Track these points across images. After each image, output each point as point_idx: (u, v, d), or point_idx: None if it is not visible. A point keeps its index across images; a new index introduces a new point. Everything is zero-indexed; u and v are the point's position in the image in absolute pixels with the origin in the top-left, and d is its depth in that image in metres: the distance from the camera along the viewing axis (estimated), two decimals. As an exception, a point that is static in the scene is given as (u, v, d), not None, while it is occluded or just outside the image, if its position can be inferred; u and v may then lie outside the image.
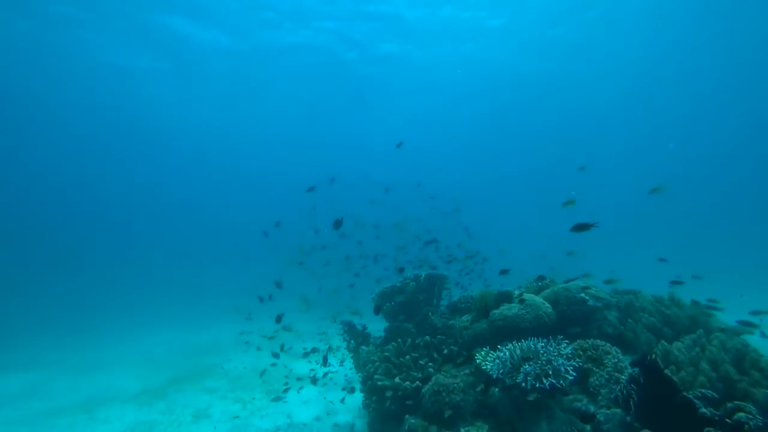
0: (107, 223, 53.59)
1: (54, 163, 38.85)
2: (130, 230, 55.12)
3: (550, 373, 4.37)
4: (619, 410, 3.95)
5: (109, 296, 30.40)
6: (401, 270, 8.14)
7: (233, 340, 15.36)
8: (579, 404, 4.31)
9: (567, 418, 4.21)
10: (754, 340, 5.70)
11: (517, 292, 6.88)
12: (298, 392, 9.65)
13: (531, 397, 4.54)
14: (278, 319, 8.35)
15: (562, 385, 4.31)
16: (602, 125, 35.97)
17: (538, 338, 5.02)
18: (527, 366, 4.49)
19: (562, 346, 4.76)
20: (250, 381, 11.10)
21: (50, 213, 49.27)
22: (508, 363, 4.71)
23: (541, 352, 4.62)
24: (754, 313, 6.14)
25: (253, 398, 9.76)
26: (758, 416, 3.00)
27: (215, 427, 8.02)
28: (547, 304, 6.40)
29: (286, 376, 10.68)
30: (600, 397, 4.23)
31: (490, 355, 5.12)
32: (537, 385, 4.34)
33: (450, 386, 5.40)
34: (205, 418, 8.63)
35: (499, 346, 5.09)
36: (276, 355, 10.34)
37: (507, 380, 4.67)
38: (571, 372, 4.34)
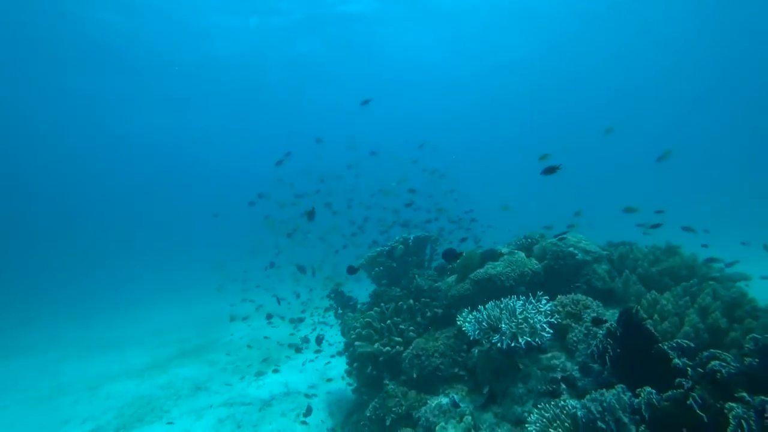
0: (109, 210, 54.13)
1: (45, 155, 38.64)
2: (131, 215, 55.68)
3: (527, 331, 4.12)
4: (596, 365, 3.71)
5: (119, 277, 31.12)
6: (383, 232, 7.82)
7: (235, 312, 15.53)
8: (556, 362, 4.08)
9: (543, 376, 3.99)
10: (756, 285, 5.38)
11: (504, 250, 6.57)
12: (296, 360, 9.73)
13: (508, 357, 4.34)
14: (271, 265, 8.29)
15: (538, 343, 4.07)
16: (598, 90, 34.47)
17: (518, 296, 4.76)
18: (503, 325, 4.25)
19: (542, 302, 4.49)
20: (250, 352, 11.23)
21: (55, 203, 49.84)
22: (484, 323, 4.48)
23: (519, 310, 4.36)
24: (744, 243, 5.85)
25: (250, 368, 9.87)
26: (733, 363, 2.71)
27: (212, 399, 8.12)
28: (534, 261, 6.10)
29: (289, 345, 10.78)
30: (578, 353, 3.98)
31: (470, 316, 4.88)
32: (513, 344, 4.11)
33: (430, 350, 5.22)
34: (203, 391, 8.75)
35: (479, 306, 4.84)
36: (269, 317, 10.38)
37: (484, 341, 4.45)
38: (547, 329, 4.09)
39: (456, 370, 5.04)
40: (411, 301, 6.34)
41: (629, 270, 5.64)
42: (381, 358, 5.58)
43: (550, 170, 4.70)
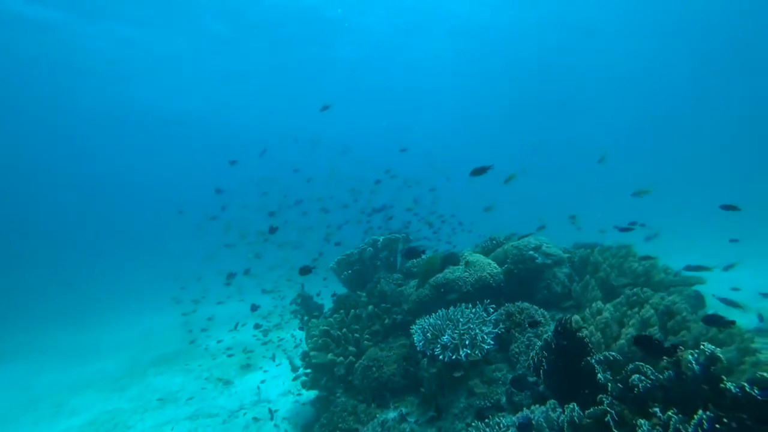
0: (84, 211, 53.28)
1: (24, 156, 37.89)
2: (110, 215, 54.79)
3: (467, 343, 3.96)
4: (533, 378, 3.55)
5: (107, 280, 30.79)
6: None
7: (218, 317, 15.34)
8: (499, 374, 3.92)
9: (484, 389, 3.83)
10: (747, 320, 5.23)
11: (466, 253, 6.42)
12: (271, 368, 9.56)
13: (453, 370, 4.19)
14: (229, 277, 8.12)
15: (478, 355, 3.92)
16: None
17: (467, 304, 4.61)
18: (445, 337, 4.09)
19: (489, 311, 4.33)
20: (227, 359, 11.05)
21: (25, 205, 49.00)
22: (429, 333, 4.32)
23: (463, 320, 4.20)
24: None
25: (225, 376, 9.70)
26: (651, 377, 2.57)
27: (178, 412, 7.95)
28: (494, 265, 5.94)
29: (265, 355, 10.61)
30: (519, 365, 3.83)
31: (417, 325, 4.72)
32: (453, 356, 3.95)
33: (383, 360, 5.06)
34: (171, 402, 8.59)
35: (424, 316, 4.69)
36: (257, 326, 10.18)
37: (428, 352, 4.30)
38: (488, 341, 3.93)
39: (408, 381, 4.88)
40: (371, 308, 6.18)
41: (589, 274, 5.50)
42: (335, 369, 5.42)
43: (479, 171, 4.55)
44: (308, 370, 5.73)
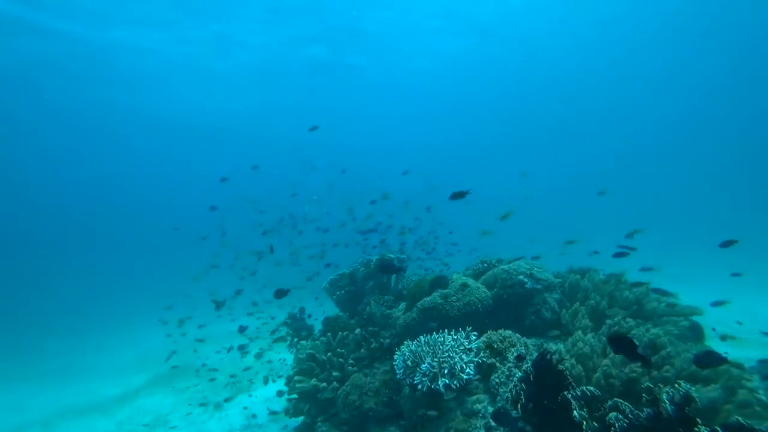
0: (81, 229, 53.01)
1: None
2: (105, 233, 54.31)
3: (446, 372, 3.85)
4: (514, 412, 3.41)
5: (104, 297, 30.74)
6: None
7: (213, 336, 15.20)
8: (479, 406, 3.78)
9: (464, 422, 3.69)
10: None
11: (455, 276, 6.32)
12: (263, 390, 9.38)
13: (433, 399, 4.05)
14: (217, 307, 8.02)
15: (457, 385, 3.79)
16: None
17: (451, 330, 4.50)
18: (425, 365, 3.98)
19: (471, 338, 4.22)
20: (221, 380, 10.88)
21: (25, 220, 48.88)
22: (409, 361, 4.20)
23: (443, 348, 4.09)
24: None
25: (215, 399, 9.53)
26: (630, 415, 2.45)
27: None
28: (483, 289, 5.83)
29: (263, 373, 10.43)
30: (499, 397, 3.69)
31: (399, 351, 4.61)
32: (432, 386, 3.83)
33: (365, 387, 4.93)
34: (161, 426, 8.43)
35: (407, 341, 4.58)
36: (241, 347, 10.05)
37: (408, 380, 4.18)
38: (467, 370, 3.81)
39: (391, 410, 4.73)
40: (358, 331, 6.07)
41: (579, 301, 5.36)
42: (319, 395, 5.29)
43: (458, 195, 4.55)
44: (293, 396, 5.60)
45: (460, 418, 3.79)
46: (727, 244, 4.94)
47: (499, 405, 3.63)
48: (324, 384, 5.23)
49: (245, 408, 8.67)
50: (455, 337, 4.23)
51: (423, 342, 4.31)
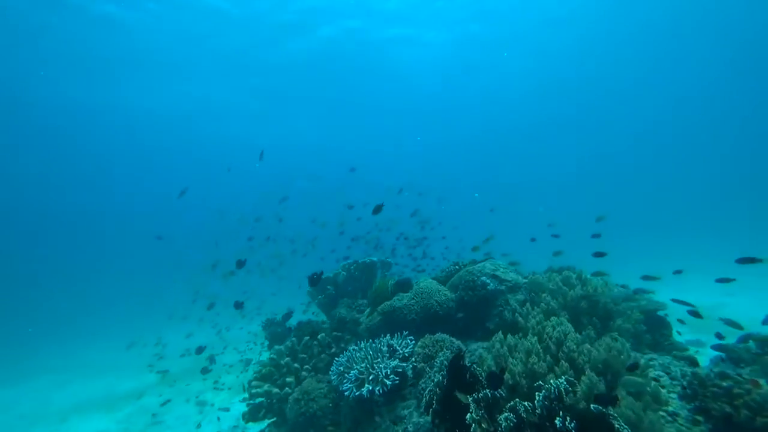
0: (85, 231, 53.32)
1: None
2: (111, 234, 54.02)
3: (370, 379, 3.70)
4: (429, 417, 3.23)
5: (130, 299, 32.17)
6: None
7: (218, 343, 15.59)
8: (405, 412, 3.61)
9: (389, 428, 3.53)
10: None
11: (421, 279, 6.12)
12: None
13: (366, 405, 3.92)
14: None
15: (381, 391, 3.63)
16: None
17: (392, 335, 4.34)
18: (351, 372, 3.85)
19: (405, 343, 4.05)
20: (231, 384, 11.11)
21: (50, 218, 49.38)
22: (342, 368, 4.09)
23: (372, 354, 3.95)
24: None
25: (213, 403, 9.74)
26: (524, 414, 2.29)
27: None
28: (444, 291, 5.60)
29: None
30: (423, 402, 3.50)
31: (337, 357, 4.50)
32: (356, 393, 3.70)
33: (313, 393, 4.84)
34: (158, 425, 8.75)
35: (351, 347, 4.45)
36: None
37: (340, 387, 4.06)
38: (391, 377, 3.64)
39: (336, 416, 4.62)
40: (321, 335, 6.00)
41: (529, 301, 5.07)
42: (274, 401, 5.25)
43: (378, 209, 4.45)
44: (251, 401, 5.59)
45: (387, 423, 3.63)
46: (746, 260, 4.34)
47: (422, 409, 3.45)
48: (276, 389, 5.18)
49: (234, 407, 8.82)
50: (390, 342, 4.07)
51: (356, 348, 4.18)
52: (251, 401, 5.62)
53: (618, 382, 3.07)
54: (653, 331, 4.64)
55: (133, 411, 9.81)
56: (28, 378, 14.23)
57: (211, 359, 9.51)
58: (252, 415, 5.35)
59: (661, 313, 4.63)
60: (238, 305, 5.47)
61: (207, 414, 8.97)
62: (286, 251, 12.43)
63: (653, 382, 2.96)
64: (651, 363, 3.73)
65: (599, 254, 5.96)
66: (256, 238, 11.74)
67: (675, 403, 2.96)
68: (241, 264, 7.23)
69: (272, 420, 5.16)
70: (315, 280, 4.67)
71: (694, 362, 3.89)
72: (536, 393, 2.36)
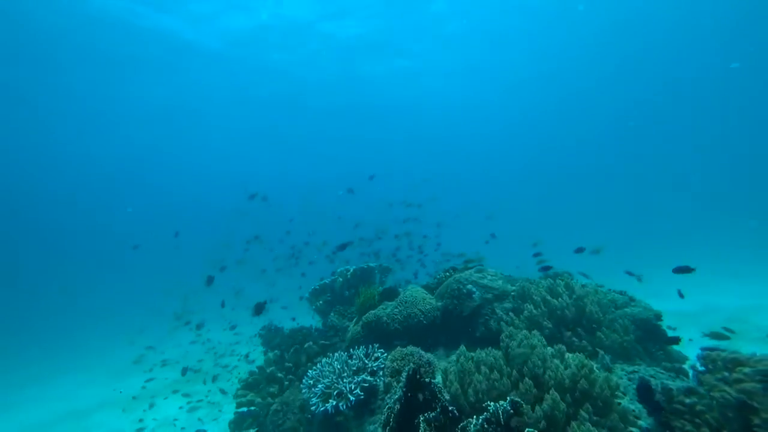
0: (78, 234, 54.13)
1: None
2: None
3: (335, 394, 3.62)
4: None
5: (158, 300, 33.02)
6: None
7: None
8: (372, 427, 3.51)
9: (349, 448, 3.45)
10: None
11: (409, 288, 5.99)
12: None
13: (334, 419, 3.84)
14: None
15: (345, 406, 3.55)
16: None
17: (365, 347, 4.24)
18: (318, 386, 3.78)
19: (375, 356, 3.95)
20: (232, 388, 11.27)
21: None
22: (312, 381, 4.02)
23: (339, 368, 3.86)
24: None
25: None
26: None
27: None
28: (430, 300, 5.46)
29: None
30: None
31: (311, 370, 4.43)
32: (321, 408, 3.62)
33: (291, 405, 4.80)
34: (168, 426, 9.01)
35: (325, 359, 4.38)
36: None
37: (309, 400, 3.99)
38: (355, 391, 3.55)
39: (308, 427, 4.56)
40: (308, 344, 5.96)
41: (514, 312, 4.86)
42: (253, 409, 5.24)
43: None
44: (238, 410, 5.60)
45: (351, 443, 3.55)
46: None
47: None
48: (258, 399, 5.17)
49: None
50: (359, 355, 3.98)
51: (328, 362, 4.11)
52: (237, 410, 5.64)
53: (585, 401, 2.88)
54: (646, 340, 4.37)
55: (147, 411, 10.11)
56: (58, 375, 15.04)
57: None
58: (237, 425, 5.36)
59: (656, 321, 4.34)
60: (260, 308, 5.48)
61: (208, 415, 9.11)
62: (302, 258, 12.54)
63: (623, 400, 2.76)
64: (632, 376, 3.49)
65: (580, 249, 5.70)
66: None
67: (649, 420, 2.75)
68: (210, 280, 7.31)
69: (255, 431, 5.15)
70: (260, 308, 4.62)
71: (682, 374, 3.63)
72: (474, 416, 2.22)
